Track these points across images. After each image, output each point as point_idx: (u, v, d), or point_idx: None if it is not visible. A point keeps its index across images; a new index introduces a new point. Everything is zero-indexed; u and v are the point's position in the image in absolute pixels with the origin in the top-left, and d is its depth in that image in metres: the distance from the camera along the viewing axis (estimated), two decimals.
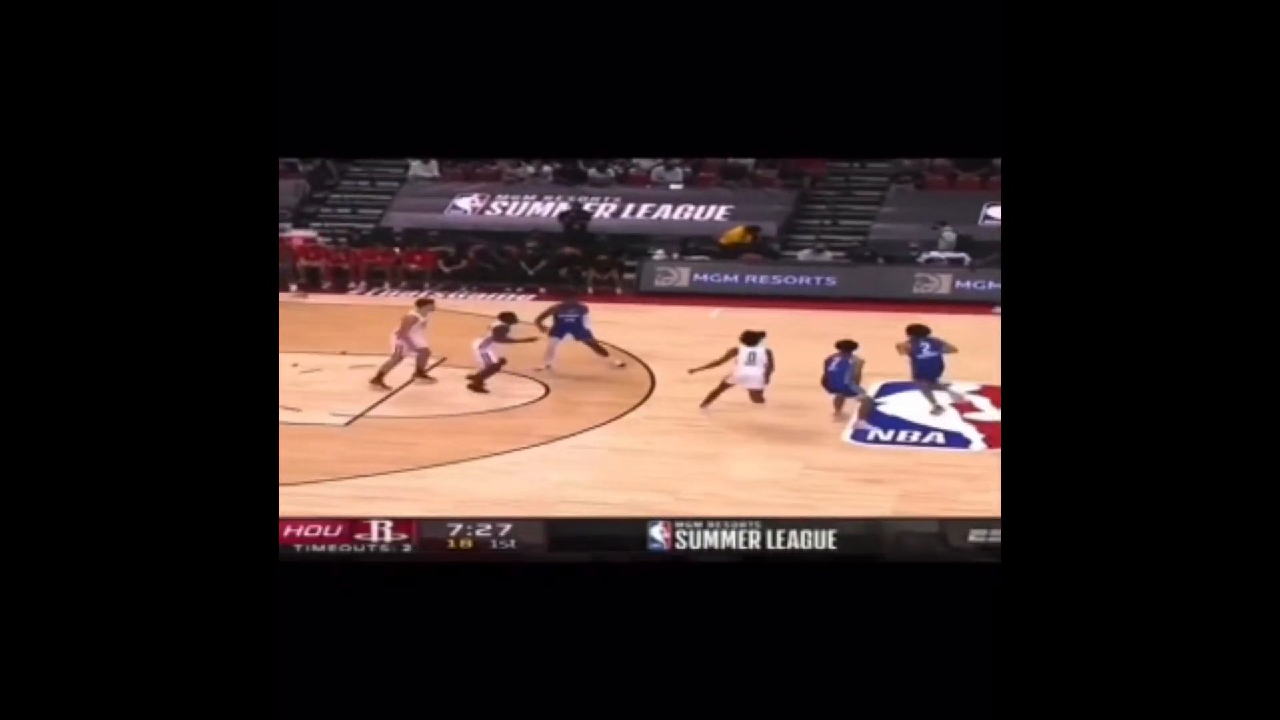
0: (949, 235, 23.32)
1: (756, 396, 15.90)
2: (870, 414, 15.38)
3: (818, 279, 22.71)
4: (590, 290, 22.55)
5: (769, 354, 15.92)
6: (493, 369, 16.62)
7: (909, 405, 16.06)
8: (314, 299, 22.41)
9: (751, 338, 15.93)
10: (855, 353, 15.54)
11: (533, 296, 22.53)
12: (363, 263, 23.64)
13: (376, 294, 23.01)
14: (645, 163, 25.59)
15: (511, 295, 22.67)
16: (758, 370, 15.78)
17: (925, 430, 15.38)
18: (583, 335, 17.91)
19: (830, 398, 15.72)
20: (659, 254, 23.57)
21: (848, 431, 15.29)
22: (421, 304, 17.77)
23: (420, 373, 17.13)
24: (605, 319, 19.19)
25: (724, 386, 15.87)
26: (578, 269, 23.15)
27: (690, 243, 24.03)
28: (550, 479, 14.09)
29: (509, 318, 17.13)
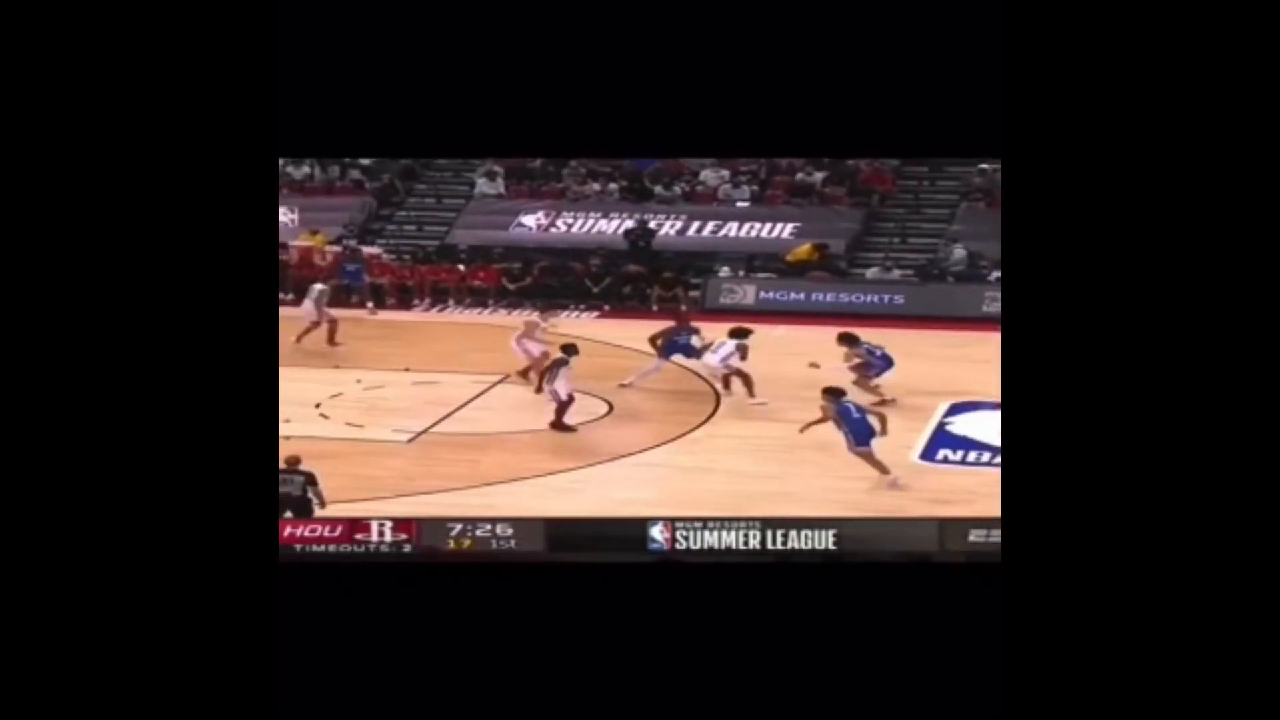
0: (959, 252, 23.05)
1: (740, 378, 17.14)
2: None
3: (885, 297, 22.56)
4: (655, 308, 22.56)
5: (738, 349, 17.12)
6: (565, 406, 16.03)
7: (979, 425, 15.88)
8: (378, 315, 22.51)
9: (734, 332, 17.34)
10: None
11: (596, 314, 22.60)
12: (427, 279, 23.74)
13: (440, 311, 23.09)
14: (711, 179, 25.54)
15: (575, 313, 22.68)
16: (714, 358, 17.21)
17: (996, 450, 15.19)
18: (693, 354, 17.89)
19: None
20: (724, 271, 23.53)
21: (916, 451, 15.13)
22: (544, 311, 18.85)
23: (524, 373, 17.44)
24: None
25: None
26: (642, 286, 23.17)
27: (756, 260, 23.96)
28: (613, 497, 14.06)
29: (571, 349, 16.44)
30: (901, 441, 15.36)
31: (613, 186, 25.68)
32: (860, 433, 14.42)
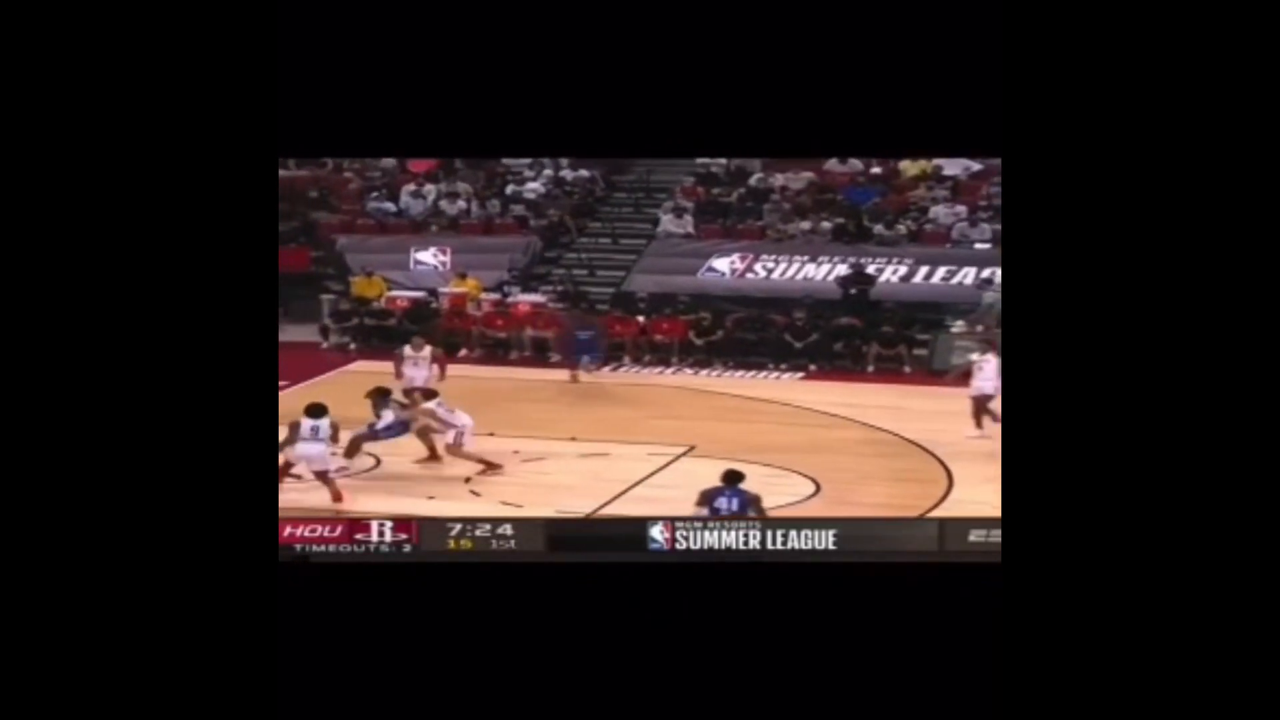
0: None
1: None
2: None
3: None
4: (871, 369, 22.19)
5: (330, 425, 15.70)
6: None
7: None
8: (539, 374, 22.18)
9: (313, 410, 15.63)
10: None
11: (801, 375, 22.18)
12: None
13: (615, 370, 22.78)
14: (943, 216, 25.02)
15: (775, 373, 22.24)
16: (316, 448, 15.54)
17: None
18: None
19: None
20: (958, 326, 22.92)
21: None
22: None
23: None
24: (890, 403, 18.84)
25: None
26: (857, 343, 22.79)
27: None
28: None
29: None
30: None
31: (825, 225, 25.33)
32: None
